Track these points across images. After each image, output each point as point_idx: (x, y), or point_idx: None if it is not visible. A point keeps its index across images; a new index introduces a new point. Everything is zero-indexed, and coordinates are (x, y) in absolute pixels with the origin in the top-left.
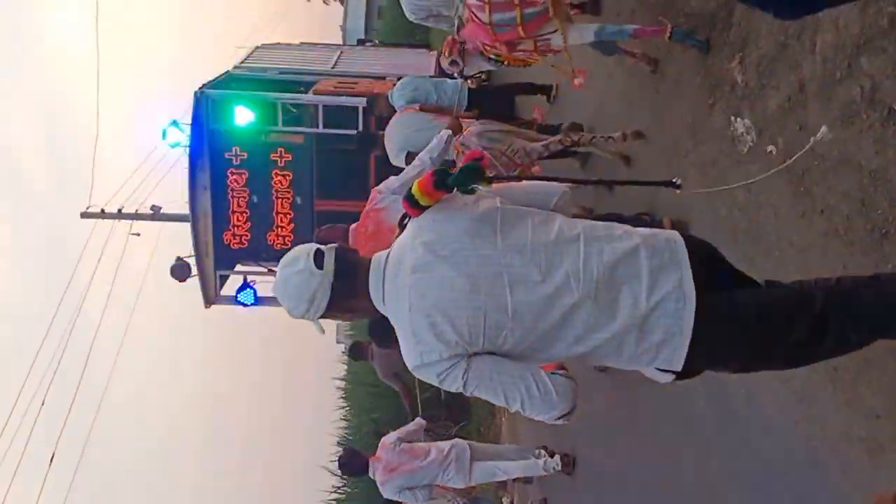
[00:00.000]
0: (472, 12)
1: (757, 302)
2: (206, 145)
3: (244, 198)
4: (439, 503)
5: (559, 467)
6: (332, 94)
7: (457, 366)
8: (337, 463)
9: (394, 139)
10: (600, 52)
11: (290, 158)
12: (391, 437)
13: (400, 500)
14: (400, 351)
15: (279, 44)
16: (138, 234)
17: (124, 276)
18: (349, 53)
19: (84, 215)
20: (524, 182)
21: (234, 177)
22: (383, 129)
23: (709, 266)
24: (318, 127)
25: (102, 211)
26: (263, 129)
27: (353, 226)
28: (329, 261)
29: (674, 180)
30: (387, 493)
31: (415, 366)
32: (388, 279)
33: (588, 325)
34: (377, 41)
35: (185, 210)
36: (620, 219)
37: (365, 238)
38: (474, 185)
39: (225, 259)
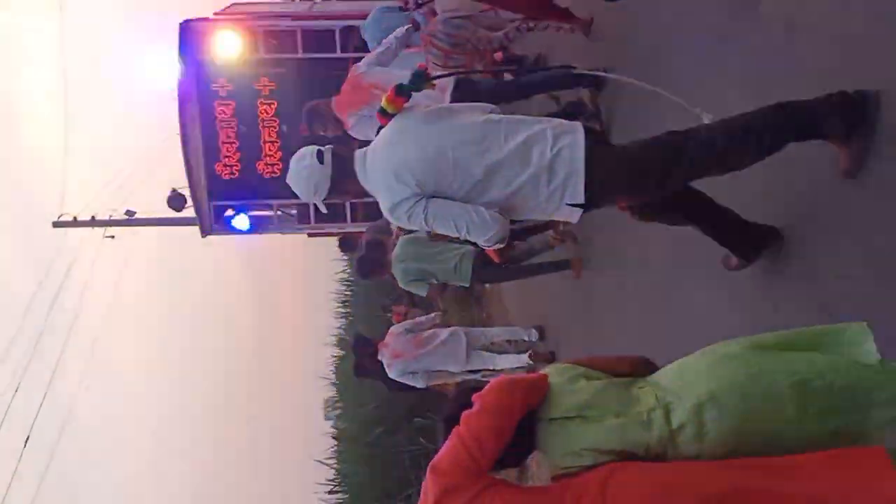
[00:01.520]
0: None
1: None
2: (194, 78)
3: (232, 129)
4: None
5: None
6: (310, 19)
7: (418, 203)
8: (351, 347)
9: None
10: None
11: (273, 87)
12: (400, 326)
13: (403, 381)
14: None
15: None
16: (112, 237)
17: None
18: (323, 3)
19: (56, 224)
20: None
21: (222, 108)
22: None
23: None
24: (297, 53)
25: (75, 219)
26: (246, 58)
27: (336, 97)
28: (327, 157)
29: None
30: (392, 374)
31: (390, 207)
32: (367, 161)
33: (510, 173)
34: None
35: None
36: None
37: (346, 97)
38: (422, 85)
39: (218, 190)
